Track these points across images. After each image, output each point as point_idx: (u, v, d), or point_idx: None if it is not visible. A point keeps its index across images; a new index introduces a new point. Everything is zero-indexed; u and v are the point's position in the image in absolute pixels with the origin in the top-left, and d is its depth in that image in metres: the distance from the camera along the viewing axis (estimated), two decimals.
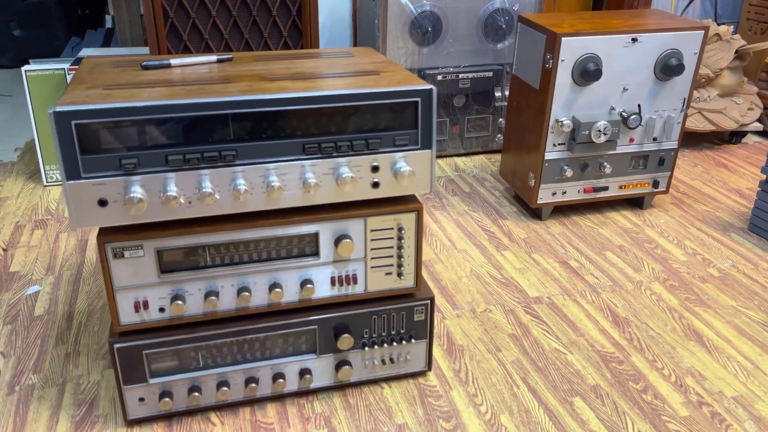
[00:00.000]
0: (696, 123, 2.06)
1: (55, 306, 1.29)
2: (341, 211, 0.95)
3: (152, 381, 0.97)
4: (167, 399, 0.98)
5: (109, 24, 2.54)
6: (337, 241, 0.96)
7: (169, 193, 0.84)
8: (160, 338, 0.95)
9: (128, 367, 0.95)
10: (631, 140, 1.61)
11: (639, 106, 1.56)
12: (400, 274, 1.02)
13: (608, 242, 1.58)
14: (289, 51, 1.17)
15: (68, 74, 1.75)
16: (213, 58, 1.05)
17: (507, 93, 2.01)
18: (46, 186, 1.82)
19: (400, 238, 0.99)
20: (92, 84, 0.91)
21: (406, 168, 0.93)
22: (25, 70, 1.74)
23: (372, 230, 0.98)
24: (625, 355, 1.18)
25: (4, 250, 1.49)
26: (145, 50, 1.89)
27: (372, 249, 0.99)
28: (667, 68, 1.52)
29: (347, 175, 0.91)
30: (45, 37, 2.98)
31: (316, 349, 1.03)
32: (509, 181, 1.77)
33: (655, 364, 1.16)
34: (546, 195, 1.62)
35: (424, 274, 1.42)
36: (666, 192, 1.71)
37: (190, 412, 1.02)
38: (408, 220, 0.99)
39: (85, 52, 1.91)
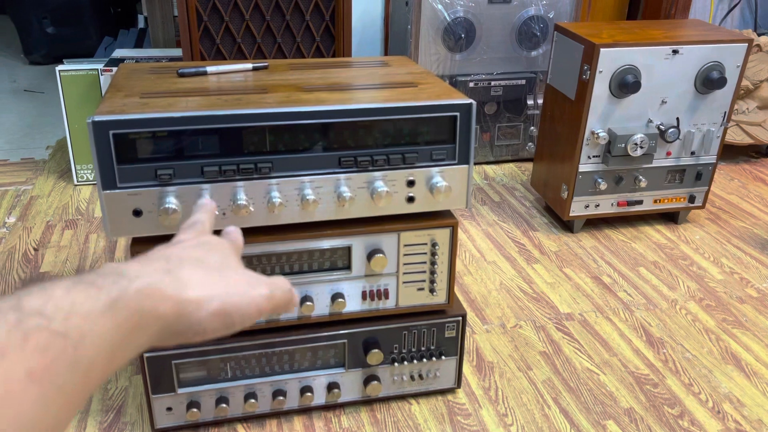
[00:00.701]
0: (734, 136, 2.01)
1: None
2: (375, 225, 0.94)
3: (180, 391, 0.97)
4: (195, 409, 0.97)
5: (141, 24, 2.56)
6: (370, 256, 0.95)
7: None
8: (189, 348, 0.94)
9: (157, 376, 0.95)
10: (668, 154, 1.57)
11: (677, 119, 1.52)
12: (432, 290, 1.00)
13: (642, 258, 1.54)
14: (324, 59, 1.16)
15: (101, 75, 1.76)
16: (248, 65, 1.05)
17: (539, 101, 1.98)
18: (76, 185, 1.84)
19: (433, 254, 0.98)
20: (130, 92, 0.90)
21: (443, 183, 0.91)
22: (59, 70, 1.75)
23: (405, 245, 0.96)
24: (660, 378, 1.15)
25: (35, 249, 1.50)
26: (178, 52, 1.90)
27: (404, 264, 0.97)
28: (709, 81, 1.48)
29: (382, 190, 0.89)
30: (78, 35, 3.01)
31: (345, 364, 1.02)
32: (540, 191, 1.74)
33: (692, 389, 1.13)
34: (578, 207, 1.59)
35: None
36: (702, 207, 1.67)
37: (217, 423, 1.01)
38: (442, 235, 0.97)
39: (118, 52, 1.92)
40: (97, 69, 1.76)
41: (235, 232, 0.54)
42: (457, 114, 0.90)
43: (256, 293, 0.44)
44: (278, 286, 0.46)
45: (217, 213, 0.85)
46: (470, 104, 0.90)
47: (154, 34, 2.15)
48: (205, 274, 0.43)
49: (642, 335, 1.27)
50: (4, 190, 1.79)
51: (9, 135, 2.21)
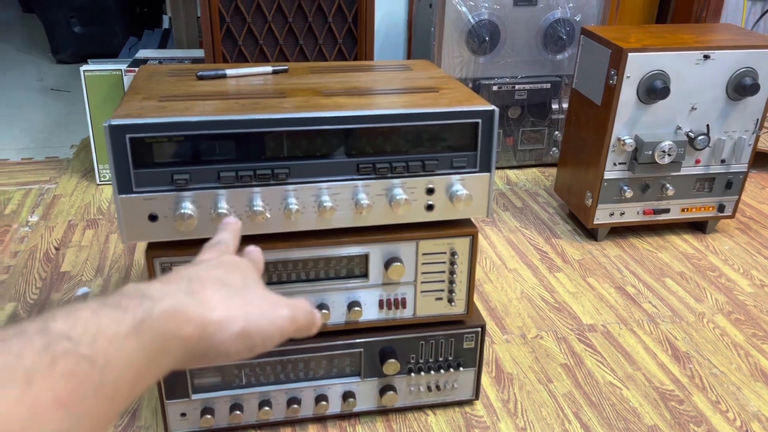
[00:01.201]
0: (766, 144, 1.95)
1: None
2: (393, 233, 0.92)
3: (195, 397, 0.96)
4: (209, 416, 0.96)
5: (166, 25, 2.57)
6: (387, 264, 0.93)
7: (219, 211, 0.82)
8: None
9: (171, 381, 0.94)
10: (697, 162, 1.53)
11: (708, 126, 1.48)
12: (450, 300, 0.98)
13: (668, 268, 1.50)
14: (345, 63, 1.14)
15: (125, 75, 1.77)
16: (268, 69, 1.03)
17: (564, 105, 1.95)
18: (99, 185, 1.85)
19: (452, 263, 0.95)
20: (148, 95, 0.89)
21: (463, 191, 0.89)
22: (84, 70, 1.77)
23: (424, 254, 0.94)
24: (686, 394, 1.11)
25: (56, 248, 1.51)
26: (200, 53, 1.90)
27: (423, 273, 0.95)
28: (741, 88, 1.44)
29: (401, 197, 0.87)
30: (104, 34, 3.04)
31: (361, 373, 1.00)
32: (564, 198, 1.71)
33: (719, 406, 1.09)
34: (603, 215, 1.56)
35: None
36: (732, 216, 1.62)
37: (231, 430, 1.00)
38: (462, 244, 0.94)
39: (142, 53, 1.92)
40: (121, 69, 1.77)
41: (255, 252, 0.54)
42: (479, 120, 0.88)
43: (279, 315, 0.44)
44: (300, 308, 0.46)
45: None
46: (492, 111, 0.88)
47: (178, 34, 2.15)
48: (227, 294, 0.42)
49: (667, 349, 1.23)
50: (28, 188, 1.81)
51: (35, 133, 2.24)
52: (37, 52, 3.32)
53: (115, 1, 3.00)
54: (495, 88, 1.89)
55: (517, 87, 1.90)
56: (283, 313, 0.44)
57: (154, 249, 0.86)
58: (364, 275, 0.94)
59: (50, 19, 3.04)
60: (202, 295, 0.41)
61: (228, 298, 0.42)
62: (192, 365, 0.40)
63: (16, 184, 1.84)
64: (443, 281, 0.96)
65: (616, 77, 1.41)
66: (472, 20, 1.81)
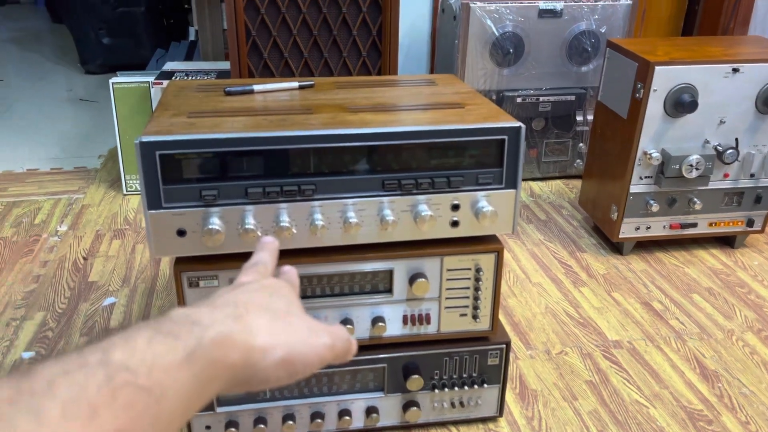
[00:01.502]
0: None
1: (129, 320, 1.32)
2: (417, 248, 0.92)
3: (219, 410, 0.96)
4: (233, 429, 0.97)
5: (192, 37, 2.61)
6: (412, 280, 0.93)
7: (247, 226, 0.83)
8: None
9: None
10: (726, 176, 1.51)
11: (736, 140, 1.46)
12: (475, 316, 0.97)
13: (695, 284, 1.48)
14: (370, 77, 1.15)
15: (152, 87, 1.79)
16: (295, 84, 1.04)
17: (589, 117, 1.93)
18: (125, 195, 1.88)
19: (477, 279, 0.95)
20: (177, 111, 0.91)
21: (489, 208, 0.89)
22: (112, 82, 1.80)
23: (448, 270, 0.94)
24: (715, 414, 1.09)
25: (84, 258, 1.54)
26: (226, 65, 1.92)
27: (447, 289, 0.95)
28: None
29: (426, 214, 0.87)
30: (132, 46, 3.09)
31: (384, 388, 1.00)
32: (588, 211, 1.69)
33: (749, 427, 1.07)
34: (629, 229, 1.54)
35: None
36: (761, 231, 1.59)
37: None
38: (487, 261, 0.94)
39: (168, 65, 1.95)
40: (148, 81, 1.80)
41: (291, 273, 0.55)
42: (505, 137, 0.88)
43: (320, 342, 0.44)
44: (339, 336, 0.47)
45: (259, 234, 0.85)
46: (519, 128, 0.88)
47: (204, 47, 2.18)
48: (271, 320, 0.43)
49: (695, 367, 1.21)
50: (57, 198, 1.85)
51: (64, 143, 2.28)
52: (66, 62, 3.39)
53: (144, 13, 3.06)
54: (519, 100, 1.89)
55: (541, 99, 1.90)
56: (323, 340, 0.45)
57: (182, 263, 0.87)
58: (389, 291, 0.94)
59: (79, 30, 3.10)
60: (247, 321, 0.41)
61: (272, 323, 0.43)
62: (235, 391, 0.41)
63: (45, 193, 1.87)
64: (468, 297, 0.96)
65: (642, 90, 1.40)
66: (496, 32, 1.81)
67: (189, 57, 2.25)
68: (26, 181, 1.96)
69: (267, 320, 0.42)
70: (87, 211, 1.77)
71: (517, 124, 0.87)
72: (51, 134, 2.37)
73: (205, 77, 1.83)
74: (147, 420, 0.32)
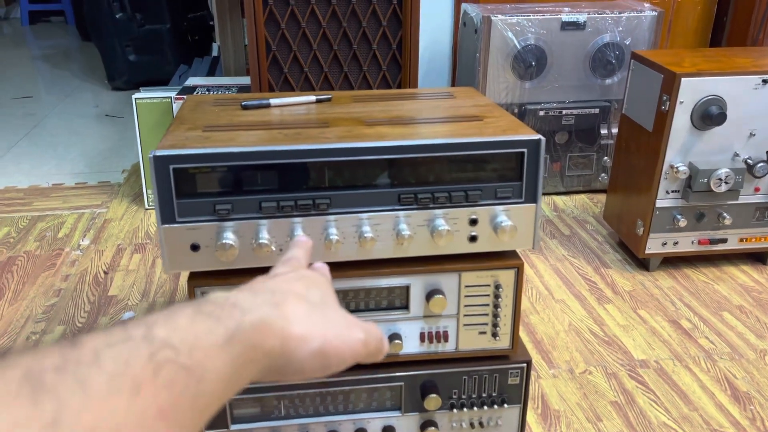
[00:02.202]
0: None
1: None
2: (434, 264, 0.90)
3: (233, 427, 0.95)
4: None
5: (215, 52, 2.64)
6: (429, 296, 0.91)
7: (261, 241, 0.82)
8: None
9: None
10: (757, 190, 1.46)
11: (767, 153, 1.41)
12: (494, 334, 0.95)
13: (725, 301, 1.43)
14: (388, 91, 1.14)
15: (174, 102, 1.81)
16: (312, 98, 1.04)
17: (614, 131, 1.90)
18: (147, 209, 1.89)
19: (496, 296, 0.92)
20: (193, 125, 0.90)
21: (508, 223, 0.87)
22: (135, 98, 1.82)
23: (466, 286, 0.92)
24: None
25: (105, 272, 1.54)
26: (247, 80, 1.93)
27: (465, 306, 0.93)
28: None
29: (443, 228, 0.85)
30: (157, 62, 3.14)
31: (401, 407, 0.98)
32: (614, 226, 1.66)
33: None
34: (655, 245, 1.50)
35: None
36: None
37: None
38: (506, 277, 0.92)
39: (191, 80, 1.97)
40: (171, 97, 1.81)
41: (323, 268, 0.54)
42: (525, 150, 0.85)
43: (355, 338, 0.44)
44: (373, 333, 0.46)
45: (273, 249, 0.83)
46: (538, 140, 0.85)
47: (226, 62, 2.20)
48: (308, 310, 0.42)
49: (726, 388, 1.16)
50: (81, 212, 1.86)
51: (89, 158, 2.31)
52: (94, 79, 3.46)
53: (169, 30, 3.11)
54: (542, 113, 1.86)
55: (564, 112, 1.87)
56: (358, 335, 0.44)
57: (196, 278, 0.86)
58: (405, 307, 0.92)
59: (107, 47, 3.16)
60: (285, 308, 0.41)
61: (309, 313, 0.42)
62: (269, 379, 0.40)
63: (69, 208, 1.90)
64: (487, 315, 0.94)
65: (668, 103, 1.36)
66: (518, 45, 1.79)
67: (211, 72, 2.27)
68: (51, 196, 1.98)
69: (304, 310, 0.42)
70: (109, 226, 1.78)
71: (537, 136, 0.85)
72: (77, 149, 2.41)
73: (226, 92, 1.84)
74: (186, 401, 0.31)
